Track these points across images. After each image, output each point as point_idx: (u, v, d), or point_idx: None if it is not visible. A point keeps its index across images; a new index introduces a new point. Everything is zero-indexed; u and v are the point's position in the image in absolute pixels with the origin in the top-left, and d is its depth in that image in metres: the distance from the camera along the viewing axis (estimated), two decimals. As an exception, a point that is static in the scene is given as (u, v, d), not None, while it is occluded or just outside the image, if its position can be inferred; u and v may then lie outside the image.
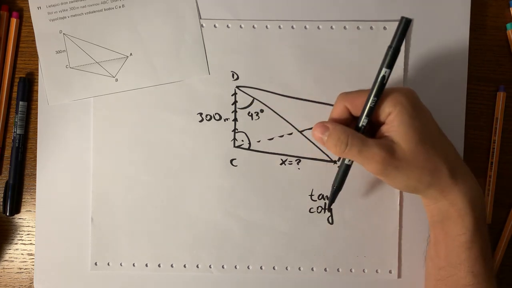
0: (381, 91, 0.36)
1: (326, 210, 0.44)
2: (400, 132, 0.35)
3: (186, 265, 0.44)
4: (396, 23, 0.44)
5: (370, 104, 0.36)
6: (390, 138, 0.35)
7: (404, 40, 0.44)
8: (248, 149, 0.44)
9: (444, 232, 0.37)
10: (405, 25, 0.35)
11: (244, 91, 0.44)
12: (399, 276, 0.44)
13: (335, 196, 0.41)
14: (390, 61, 0.36)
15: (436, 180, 0.35)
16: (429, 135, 0.35)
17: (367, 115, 0.37)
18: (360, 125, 0.37)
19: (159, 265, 0.44)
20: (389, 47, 0.36)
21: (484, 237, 0.36)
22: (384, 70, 0.36)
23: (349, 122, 0.38)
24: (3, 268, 0.46)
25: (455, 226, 0.36)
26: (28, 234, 0.46)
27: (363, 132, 0.37)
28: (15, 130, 0.45)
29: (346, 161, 0.39)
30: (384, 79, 0.36)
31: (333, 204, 0.43)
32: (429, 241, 0.40)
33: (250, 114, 0.44)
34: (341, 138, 0.36)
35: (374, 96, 0.36)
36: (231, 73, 0.44)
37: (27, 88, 0.45)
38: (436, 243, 0.38)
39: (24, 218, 0.46)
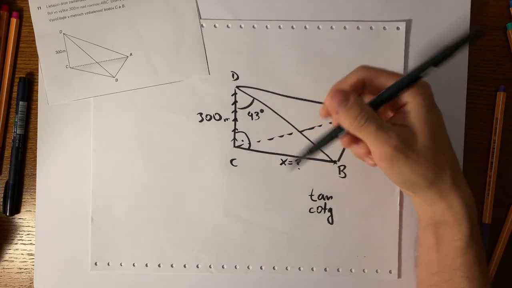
0: (412, 83, 0.34)
1: (297, 164, 0.42)
2: (416, 124, 0.34)
3: (186, 265, 0.44)
4: (396, 23, 0.44)
5: (397, 92, 0.34)
6: (404, 126, 0.34)
7: (404, 40, 0.44)
8: (248, 149, 0.44)
9: (436, 237, 0.37)
10: (474, 35, 0.33)
11: (244, 91, 0.44)
12: (399, 276, 0.44)
13: (307, 154, 0.37)
14: (440, 60, 0.34)
15: (438, 180, 0.35)
16: (441, 132, 0.35)
17: (387, 100, 0.35)
18: (376, 101, 0.35)
19: (159, 265, 0.44)
20: (450, 47, 0.33)
21: (478, 242, 0.36)
22: (430, 67, 0.34)
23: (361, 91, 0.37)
24: (3, 268, 0.46)
25: (451, 230, 0.36)
26: (28, 234, 0.46)
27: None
28: (15, 130, 0.45)
29: (340, 132, 0.36)
30: (425, 75, 0.34)
31: (333, 204, 0.43)
32: (419, 245, 0.39)
33: (250, 114, 0.44)
34: (362, 113, 0.33)
35: (404, 87, 0.34)
36: (231, 73, 0.44)
37: (27, 88, 0.45)
38: (428, 247, 0.38)
39: (24, 218, 0.46)
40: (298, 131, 0.44)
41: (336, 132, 0.36)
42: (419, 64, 0.34)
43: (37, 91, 0.45)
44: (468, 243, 0.35)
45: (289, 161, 0.43)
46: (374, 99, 0.35)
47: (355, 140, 0.36)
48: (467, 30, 0.32)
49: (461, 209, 0.35)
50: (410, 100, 0.34)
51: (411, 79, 0.34)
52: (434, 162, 0.34)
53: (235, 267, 0.44)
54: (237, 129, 0.44)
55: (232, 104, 0.44)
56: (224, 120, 0.44)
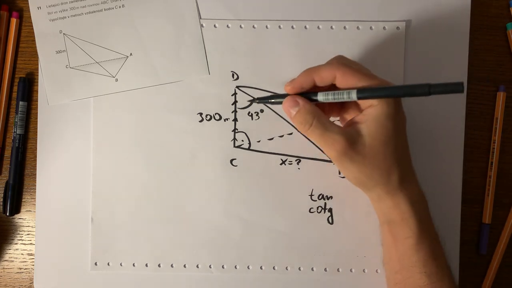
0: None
1: (255, 101, 0.42)
2: (371, 127, 0.35)
3: (186, 265, 0.44)
4: (396, 23, 0.44)
5: (350, 99, 0.35)
6: (358, 129, 0.35)
7: (404, 40, 0.44)
8: (248, 149, 0.44)
9: (392, 235, 0.38)
10: (455, 90, 0.31)
11: (244, 91, 0.44)
12: (399, 276, 0.44)
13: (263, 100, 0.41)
14: (412, 94, 0.33)
15: (385, 181, 0.36)
16: (396, 141, 0.36)
17: (338, 101, 0.36)
18: (328, 100, 0.36)
19: (159, 265, 0.44)
20: (428, 85, 0.32)
21: (431, 238, 0.37)
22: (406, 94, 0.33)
23: (312, 89, 0.37)
24: (3, 268, 0.46)
25: (402, 229, 0.37)
26: (28, 234, 0.46)
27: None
28: (15, 130, 0.45)
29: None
30: (388, 97, 0.34)
31: (333, 204, 0.43)
32: (382, 244, 0.40)
33: (250, 114, 0.44)
34: (307, 117, 0.36)
35: (363, 98, 0.35)
36: (231, 73, 0.44)
37: (27, 88, 0.45)
38: (388, 247, 0.39)
39: (24, 218, 0.46)
40: (298, 131, 0.44)
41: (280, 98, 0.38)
42: (396, 86, 0.34)
43: (37, 91, 0.45)
44: (419, 240, 0.36)
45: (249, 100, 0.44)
46: (328, 98, 0.36)
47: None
48: (451, 81, 0.30)
49: (407, 208, 0.36)
50: (375, 103, 0.35)
51: (383, 95, 0.34)
52: (381, 165, 0.35)
53: (235, 267, 0.44)
54: (237, 129, 0.44)
55: (232, 104, 0.44)
56: (224, 120, 0.44)
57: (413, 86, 0.33)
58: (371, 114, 0.35)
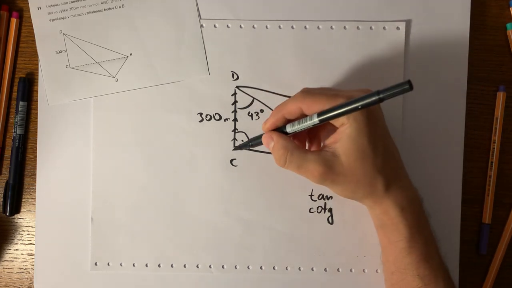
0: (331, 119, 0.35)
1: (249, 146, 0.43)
2: (344, 146, 0.35)
3: (186, 265, 0.44)
4: (396, 23, 0.44)
5: (311, 124, 0.36)
6: (333, 150, 0.36)
7: (404, 40, 0.44)
8: (248, 149, 0.44)
9: (386, 238, 0.39)
10: (403, 90, 0.31)
11: (244, 91, 0.44)
12: (399, 276, 0.44)
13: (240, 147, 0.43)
14: (364, 105, 0.33)
15: (370, 192, 0.37)
16: (374, 151, 0.36)
17: (306, 128, 0.37)
18: (296, 130, 0.37)
19: (159, 265, 0.44)
20: (377, 92, 0.32)
21: (423, 240, 0.37)
22: (356, 106, 0.33)
23: (286, 123, 0.38)
24: (3, 268, 0.46)
25: (392, 233, 0.38)
26: (28, 234, 0.46)
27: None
28: (15, 130, 0.45)
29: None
30: (344, 115, 0.34)
31: (333, 204, 0.43)
32: (380, 246, 0.40)
33: (250, 114, 0.44)
34: (280, 153, 0.37)
35: (322, 122, 0.35)
36: (231, 73, 0.44)
37: (27, 88, 0.45)
38: (384, 248, 0.40)
39: (24, 218, 0.46)
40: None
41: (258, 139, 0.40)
42: (349, 101, 0.34)
43: (37, 91, 0.45)
44: (410, 244, 0.37)
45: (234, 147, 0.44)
46: (295, 129, 0.37)
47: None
48: (399, 81, 0.30)
49: (396, 214, 0.37)
50: (345, 121, 0.35)
51: (339, 114, 0.34)
52: (363, 179, 0.36)
53: (235, 267, 0.44)
54: (237, 129, 0.44)
55: (232, 104, 0.44)
56: (224, 120, 0.44)
57: (363, 98, 0.33)
58: (344, 132, 0.36)
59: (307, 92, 0.37)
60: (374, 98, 0.32)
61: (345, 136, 0.35)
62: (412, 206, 0.38)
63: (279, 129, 0.39)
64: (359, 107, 0.33)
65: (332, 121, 0.36)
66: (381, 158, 0.36)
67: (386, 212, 0.37)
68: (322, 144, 0.41)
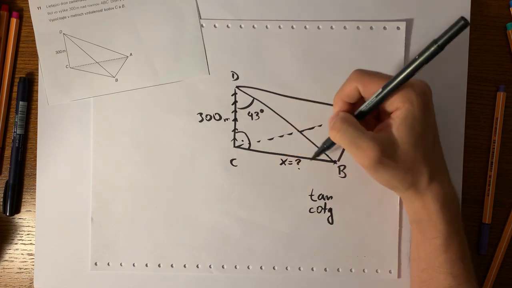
0: (397, 88, 0.35)
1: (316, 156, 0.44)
2: (399, 131, 0.35)
3: (186, 265, 0.44)
4: (396, 23, 0.44)
5: (379, 98, 0.35)
6: (388, 133, 0.35)
7: (404, 40, 0.44)
8: (248, 149, 0.44)
9: (421, 234, 0.38)
10: (460, 28, 0.31)
11: (244, 91, 0.44)
12: (399, 276, 0.44)
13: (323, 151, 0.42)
14: (427, 59, 0.33)
15: (415, 182, 0.36)
16: (425, 140, 0.35)
17: (373, 106, 0.36)
18: (362, 110, 0.37)
19: (159, 265, 0.44)
20: (434, 41, 0.32)
21: (459, 239, 0.37)
22: (415, 66, 0.33)
23: (358, 101, 0.38)
24: (3, 268, 0.46)
25: (429, 229, 0.37)
26: (28, 234, 0.46)
27: (364, 116, 0.37)
28: (15, 130, 0.45)
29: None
30: (411, 77, 0.34)
31: (333, 204, 0.43)
32: (411, 241, 0.40)
33: (250, 114, 0.44)
34: (338, 123, 0.36)
35: (388, 92, 0.35)
36: (231, 73, 0.44)
37: (27, 88, 0.45)
38: (416, 245, 0.39)
39: (24, 218, 0.46)
40: (298, 131, 0.44)
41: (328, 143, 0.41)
42: (405, 66, 0.34)
43: (37, 91, 0.45)
44: (447, 241, 0.36)
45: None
46: (361, 108, 0.37)
47: None
48: (453, 23, 0.31)
49: (436, 209, 0.36)
50: (400, 106, 0.35)
51: (396, 85, 0.34)
52: (413, 167, 0.35)
53: (235, 267, 0.44)
54: (237, 129, 0.44)
55: (232, 104, 0.44)
56: (224, 120, 0.44)
57: (423, 52, 0.33)
58: (398, 117, 0.35)
59: (361, 72, 0.36)
60: (433, 48, 0.32)
61: (400, 121, 0.35)
62: (451, 203, 0.37)
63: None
64: (423, 60, 0.32)
65: (386, 106, 0.36)
66: (430, 147, 0.36)
67: (426, 206, 0.36)
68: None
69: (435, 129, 0.37)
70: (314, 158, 0.44)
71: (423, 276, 0.38)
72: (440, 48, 0.32)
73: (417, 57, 0.33)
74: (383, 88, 0.35)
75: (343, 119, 0.36)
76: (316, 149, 0.44)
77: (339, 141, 0.36)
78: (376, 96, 0.35)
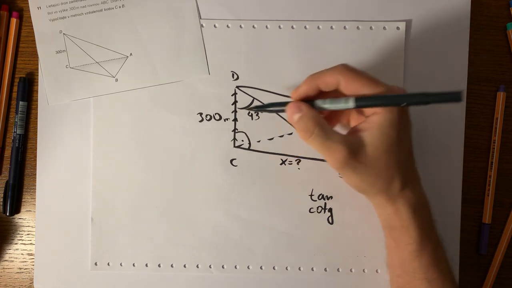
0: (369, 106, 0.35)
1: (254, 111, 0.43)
2: (373, 135, 0.34)
3: (186, 265, 0.44)
4: (396, 23, 0.44)
5: (346, 108, 0.35)
6: (361, 137, 0.35)
7: (404, 40, 0.44)
8: (248, 149, 0.44)
9: (394, 241, 0.38)
10: (453, 99, 0.31)
11: (244, 91, 0.44)
12: (399, 276, 0.44)
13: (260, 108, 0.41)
14: (409, 104, 0.33)
15: (386, 188, 0.36)
16: (400, 147, 0.35)
17: (337, 109, 0.36)
18: (325, 107, 0.36)
19: (159, 265, 0.44)
20: (425, 95, 0.32)
21: (433, 244, 0.37)
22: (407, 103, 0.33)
23: (318, 95, 0.37)
24: (3, 268, 0.46)
25: (402, 235, 0.37)
26: (28, 234, 0.46)
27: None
28: (15, 130, 0.45)
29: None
30: (384, 106, 0.34)
31: (333, 204, 0.43)
32: (386, 247, 0.40)
33: (250, 114, 0.44)
34: (309, 125, 0.35)
35: (359, 106, 0.35)
36: (231, 73, 0.44)
37: (27, 88, 0.45)
38: (390, 250, 0.39)
39: (24, 218, 0.46)
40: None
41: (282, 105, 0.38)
42: (395, 95, 0.34)
43: (37, 91, 0.45)
44: (420, 247, 0.36)
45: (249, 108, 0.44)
46: (325, 106, 0.36)
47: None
48: (450, 90, 0.31)
49: (408, 215, 0.36)
50: (378, 111, 0.35)
51: (381, 104, 0.34)
52: (383, 174, 0.35)
53: (235, 267, 0.44)
54: (237, 129, 0.44)
55: (232, 104, 0.44)
56: (224, 120, 0.44)
57: (410, 96, 0.32)
58: (374, 122, 0.34)
59: (348, 67, 0.35)
60: (422, 100, 0.32)
61: (375, 126, 0.34)
62: (423, 209, 0.37)
63: (308, 102, 0.37)
64: (404, 103, 0.32)
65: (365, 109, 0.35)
66: (404, 155, 0.36)
67: (397, 212, 0.37)
68: (337, 125, 0.40)
69: (410, 142, 0.37)
70: (248, 108, 0.43)
71: (399, 282, 0.38)
72: (427, 103, 0.32)
73: (401, 96, 0.33)
74: (356, 101, 0.34)
75: (315, 120, 0.35)
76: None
77: (310, 143, 0.36)
78: (345, 103, 0.35)
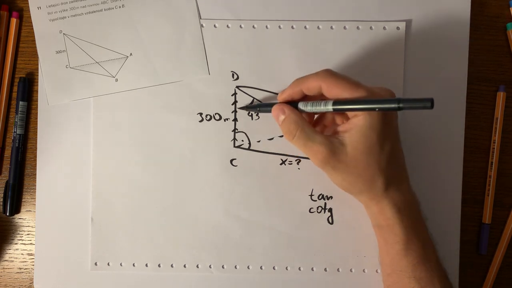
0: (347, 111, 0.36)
1: (254, 111, 0.44)
2: (352, 137, 0.36)
3: (186, 265, 0.44)
4: (396, 23, 0.44)
5: (326, 112, 0.37)
6: (342, 138, 0.36)
7: (404, 40, 0.44)
8: (248, 149, 0.44)
9: (383, 239, 0.39)
10: (424, 107, 0.31)
11: (244, 91, 0.44)
12: (399, 276, 0.44)
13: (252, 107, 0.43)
14: (382, 110, 0.34)
15: (368, 189, 0.37)
16: (382, 148, 0.36)
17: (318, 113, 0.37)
18: (307, 111, 0.38)
19: (159, 265, 0.44)
20: (397, 100, 0.33)
21: (421, 243, 0.37)
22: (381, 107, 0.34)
23: (303, 98, 0.39)
24: (3, 268, 0.46)
25: (388, 234, 0.38)
26: (28, 234, 0.46)
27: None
28: (15, 130, 0.45)
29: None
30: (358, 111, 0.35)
31: (333, 204, 0.43)
32: (378, 246, 0.40)
33: (250, 114, 0.44)
34: (291, 127, 0.37)
35: (336, 111, 0.36)
36: (231, 73, 0.44)
37: (27, 88, 0.45)
38: (380, 249, 0.40)
39: (24, 218, 0.46)
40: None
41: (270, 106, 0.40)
42: (369, 100, 0.35)
43: (37, 91, 0.45)
44: (406, 246, 0.37)
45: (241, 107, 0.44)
46: (307, 109, 0.38)
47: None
48: (422, 97, 0.31)
49: (392, 215, 0.37)
50: (359, 114, 0.36)
51: (356, 109, 0.35)
52: (364, 174, 0.36)
53: (235, 267, 0.44)
54: (237, 129, 0.44)
55: (232, 104, 0.44)
56: (224, 120, 0.44)
57: (383, 101, 0.34)
58: (355, 124, 0.36)
59: (331, 73, 0.37)
60: (393, 105, 0.33)
61: (356, 128, 0.35)
62: (409, 209, 0.38)
63: (291, 104, 0.39)
64: (376, 109, 0.34)
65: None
66: (385, 157, 0.36)
67: (382, 212, 0.38)
68: (324, 125, 0.42)
69: (395, 140, 0.38)
70: (242, 108, 0.44)
71: (389, 280, 0.39)
72: (399, 109, 0.33)
73: (375, 101, 0.34)
74: (333, 105, 0.36)
75: (297, 123, 0.37)
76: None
77: (293, 144, 0.38)
78: (325, 106, 0.36)
